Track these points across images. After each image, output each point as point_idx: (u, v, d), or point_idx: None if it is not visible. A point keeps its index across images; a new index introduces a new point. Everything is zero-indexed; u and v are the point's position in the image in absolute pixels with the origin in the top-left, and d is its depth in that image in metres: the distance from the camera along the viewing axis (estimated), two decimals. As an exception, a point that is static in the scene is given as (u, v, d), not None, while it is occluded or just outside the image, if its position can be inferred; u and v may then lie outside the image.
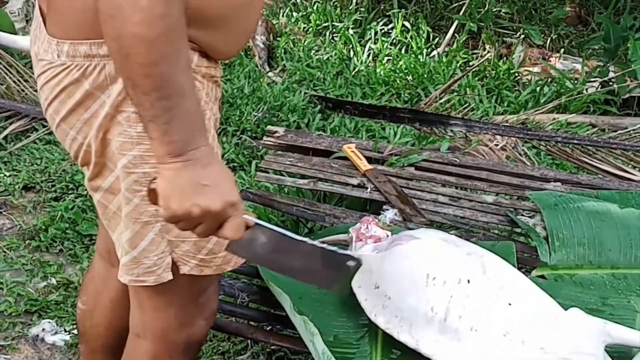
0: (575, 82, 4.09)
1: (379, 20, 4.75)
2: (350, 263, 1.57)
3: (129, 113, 1.25)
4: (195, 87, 1.16)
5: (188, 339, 1.50)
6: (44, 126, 3.31)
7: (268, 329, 1.91)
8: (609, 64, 4.20)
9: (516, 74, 4.26)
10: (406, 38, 4.57)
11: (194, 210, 1.14)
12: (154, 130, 1.11)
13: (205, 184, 1.13)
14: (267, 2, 5.12)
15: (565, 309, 1.60)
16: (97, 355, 1.83)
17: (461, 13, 4.63)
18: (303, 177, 2.55)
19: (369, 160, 2.62)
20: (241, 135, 3.49)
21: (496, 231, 2.34)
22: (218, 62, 1.37)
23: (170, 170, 1.13)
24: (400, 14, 4.67)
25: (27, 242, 2.76)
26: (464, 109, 3.76)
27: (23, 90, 3.53)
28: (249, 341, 2.16)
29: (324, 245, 1.42)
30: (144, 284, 1.38)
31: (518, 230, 2.30)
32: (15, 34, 3.89)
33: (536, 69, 4.30)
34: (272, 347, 2.17)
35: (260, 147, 3.11)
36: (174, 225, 1.19)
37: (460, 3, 4.80)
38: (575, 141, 3.18)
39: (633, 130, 3.37)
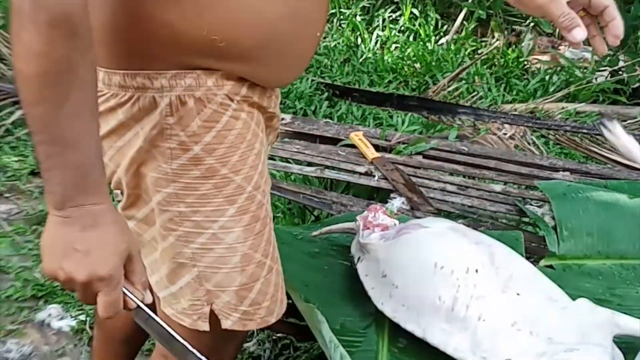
0: (585, 71, 4.07)
1: (387, 7, 4.73)
2: None
3: (164, 148, 1.17)
4: (95, 136, 1.03)
5: None
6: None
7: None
8: (619, 53, 4.18)
9: (525, 63, 4.25)
10: (414, 25, 4.55)
11: (59, 274, 1.03)
12: (42, 174, 1.02)
13: (76, 249, 1.01)
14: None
15: (574, 299, 1.59)
16: (113, 343, 1.77)
17: (470, 0, 4.60)
18: (310, 164, 2.55)
19: (377, 148, 2.61)
20: (248, 122, 3.48)
21: (504, 220, 2.33)
22: (272, 91, 1.30)
23: (50, 224, 1.03)
24: (408, 1, 4.65)
25: (33, 227, 2.76)
26: (472, 97, 3.75)
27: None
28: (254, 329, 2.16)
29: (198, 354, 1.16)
30: (182, 323, 1.29)
31: (526, 219, 2.29)
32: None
33: (545, 58, 4.28)
34: (278, 335, 2.17)
35: (267, 133, 3.10)
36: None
37: (470, -10, 4.78)
38: (584, 130, 3.16)
39: (644, 119, 3.36)
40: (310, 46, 1.28)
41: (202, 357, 1.14)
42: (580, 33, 1.27)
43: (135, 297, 1.08)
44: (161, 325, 1.13)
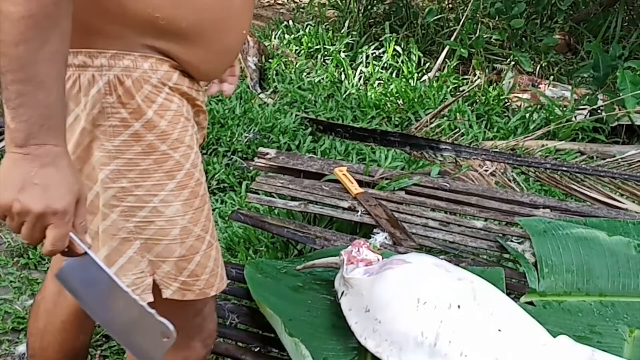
0: (564, 109, 4.13)
1: (370, 44, 4.79)
2: (164, 336, 1.16)
3: (106, 127, 1.24)
4: (63, 83, 1.12)
5: None
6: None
7: (257, 350, 1.91)
8: (597, 92, 4.24)
9: (506, 100, 4.30)
10: (397, 62, 4.61)
11: (15, 206, 1.08)
12: (6, 114, 1.08)
13: (35, 183, 1.08)
14: (258, 24, 5.15)
15: (554, 336, 1.61)
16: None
17: (452, 39, 4.67)
18: (294, 199, 2.56)
19: (360, 183, 2.63)
20: (232, 156, 3.50)
21: (485, 256, 2.36)
22: (201, 85, 1.37)
23: (8, 160, 1.09)
24: (391, 39, 4.72)
25: (15, 259, 2.74)
26: (454, 133, 3.79)
27: None
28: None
29: (144, 305, 1.15)
30: None
31: (507, 256, 2.31)
32: None
33: (526, 96, 4.34)
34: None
35: (251, 168, 3.12)
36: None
37: (452, 29, 4.85)
38: (564, 168, 3.21)
39: (621, 158, 3.41)
40: (237, 41, 1.39)
41: (151, 311, 1.14)
42: None
43: (82, 243, 1.13)
44: (109, 275, 1.14)
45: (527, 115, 4.08)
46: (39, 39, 1.05)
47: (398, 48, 4.68)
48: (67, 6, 1.08)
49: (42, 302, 1.72)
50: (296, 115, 3.88)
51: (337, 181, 2.64)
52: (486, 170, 3.28)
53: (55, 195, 1.09)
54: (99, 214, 1.30)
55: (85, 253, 1.14)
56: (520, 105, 4.24)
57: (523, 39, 5.02)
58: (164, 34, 1.24)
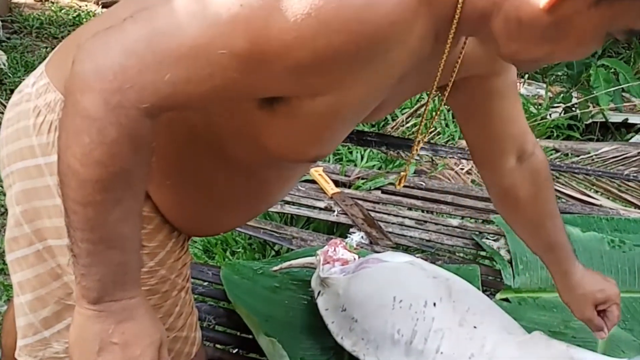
0: (539, 107, 4.16)
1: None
2: None
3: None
4: (138, 238, 1.03)
5: None
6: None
7: (234, 351, 1.91)
8: (572, 90, 4.28)
9: (481, 99, 4.31)
10: (373, 62, 4.62)
11: None
12: (75, 268, 0.99)
13: (114, 342, 1.00)
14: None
15: (529, 332, 1.62)
16: None
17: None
18: (270, 199, 2.56)
19: (336, 183, 2.64)
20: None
21: (462, 254, 2.37)
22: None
23: (81, 317, 1.01)
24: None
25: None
26: (430, 133, 3.81)
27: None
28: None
29: None
30: None
31: (483, 253, 2.33)
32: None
33: (501, 95, 4.35)
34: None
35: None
36: None
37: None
38: (539, 165, 3.22)
39: (595, 155, 3.44)
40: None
41: None
42: (602, 335, 1.58)
43: None
44: None
45: (503, 113, 4.10)
46: (109, 202, 0.95)
47: (374, 48, 4.69)
48: (141, 168, 0.97)
49: (7, 320, 1.65)
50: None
51: (313, 181, 2.64)
52: (462, 169, 3.30)
53: (137, 352, 1.02)
54: (41, 269, 1.21)
55: None
56: (496, 103, 4.26)
57: (498, 38, 5.04)
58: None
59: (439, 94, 1.26)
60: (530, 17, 0.94)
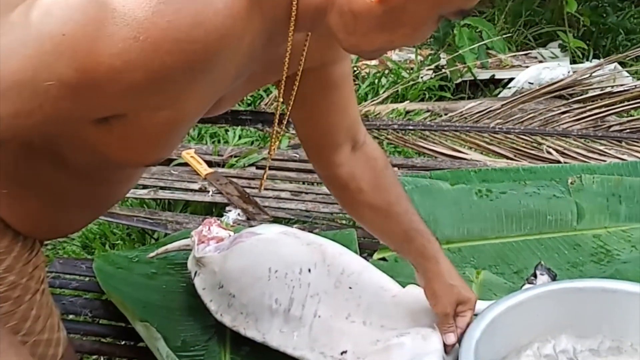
0: (411, 71, 4.24)
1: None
2: None
3: None
4: None
5: None
6: None
7: (109, 341, 1.88)
8: (439, 51, 4.39)
9: (355, 69, 4.37)
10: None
11: None
12: None
13: None
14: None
15: (404, 287, 1.66)
16: None
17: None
18: (144, 187, 2.51)
19: (210, 164, 2.62)
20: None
21: (344, 221, 2.39)
22: None
23: None
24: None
25: None
26: (305, 105, 3.82)
27: None
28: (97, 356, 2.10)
29: None
30: None
31: (360, 217, 2.35)
32: None
33: (373, 62, 4.42)
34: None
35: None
36: None
37: None
38: (411, 127, 3.29)
39: (466, 112, 3.53)
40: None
41: None
42: (451, 338, 1.49)
43: None
44: None
45: (376, 81, 4.17)
46: None
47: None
48: None
49: None
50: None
51: (186, 164, 2.61)
52: (337, 138, 3.32)
53: None
54: None
55: None
56: (369, 72, 4.32)
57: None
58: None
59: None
60: (363, 9, 0.97)
